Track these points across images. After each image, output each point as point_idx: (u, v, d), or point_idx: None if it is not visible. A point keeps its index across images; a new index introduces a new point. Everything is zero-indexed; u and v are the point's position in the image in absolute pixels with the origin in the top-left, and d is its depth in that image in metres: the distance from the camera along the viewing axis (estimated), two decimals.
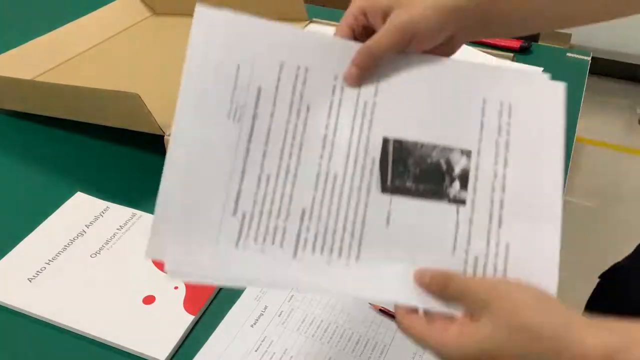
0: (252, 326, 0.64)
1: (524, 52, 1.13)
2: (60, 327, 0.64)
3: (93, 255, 0.72)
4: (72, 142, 0.94)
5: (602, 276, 0.89)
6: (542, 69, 0.96)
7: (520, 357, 0.36)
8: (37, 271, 0.70)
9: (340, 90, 0.44)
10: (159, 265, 0.71)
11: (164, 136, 0.82)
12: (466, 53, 1.01)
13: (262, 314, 0.66)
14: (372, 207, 0.43)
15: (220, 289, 0.68)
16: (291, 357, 0.62)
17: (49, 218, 0.77)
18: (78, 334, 0.64)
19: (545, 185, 0.41)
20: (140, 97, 0.78)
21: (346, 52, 0.44)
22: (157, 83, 1.00)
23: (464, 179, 0.42)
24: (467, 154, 0.42)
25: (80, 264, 0.71)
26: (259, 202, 0.43)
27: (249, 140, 0.43)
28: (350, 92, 0.44)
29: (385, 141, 0.43)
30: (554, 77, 0.45)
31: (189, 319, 0.65)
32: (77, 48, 1.12)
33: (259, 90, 0.44)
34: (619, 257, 0.90)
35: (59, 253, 0.72)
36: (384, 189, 0.43)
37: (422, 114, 0.43)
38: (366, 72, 0.44)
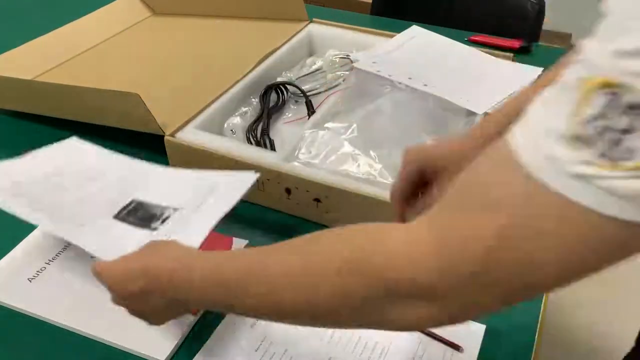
0: (252, 326, 0.64)
1: (524, 52, 1.13)
2: (60, 327, 0.64)
3: (93, 255, 0.72)
4: None
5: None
6: (542, 69, 0.96)
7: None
8: (37, 271, 0.70)
9: None
10: None
11: (164, 136, 0.82)
12: (467, 53, 1.01)
13: None
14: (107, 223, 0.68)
15: None
16: (291, 357, 0.62)
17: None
18: (78, 334, 0.64)
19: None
20: (140, 97, 0.78)
21: None
22: (157, 83, 1.00)
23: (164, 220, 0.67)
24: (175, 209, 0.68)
25: (80, 263, 0.71)
26: None
27: None
28: None
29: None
30: None
31: (189, 319, 0.65)
32: (77, 48, 1.12)
33: None
34: None
35: (59, 253, 0.72)
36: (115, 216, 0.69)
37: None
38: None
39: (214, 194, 0.67)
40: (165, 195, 0.70)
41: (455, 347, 0.62)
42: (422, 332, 0.63)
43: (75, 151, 0.77)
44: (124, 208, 0.69)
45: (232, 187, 0.67)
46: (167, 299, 0.51)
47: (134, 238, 0.62)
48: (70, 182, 0.72)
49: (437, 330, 0.64)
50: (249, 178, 0.68)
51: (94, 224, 0.67)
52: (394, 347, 0.63)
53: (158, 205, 0.69)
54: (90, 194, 0.71)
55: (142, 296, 0.52)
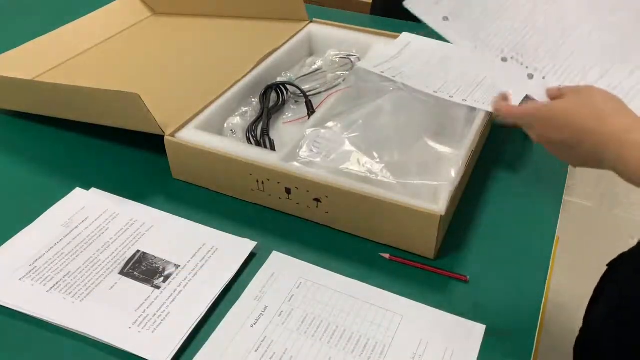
0: (252, 326, 0.64)
1: None
2: (61, 328, 0.64)
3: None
4: (71, 141, 0.94)
5: (611, 264, 0.90)
6: None
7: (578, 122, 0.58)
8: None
9: None
10: None
11: (164, 136, 0.82)
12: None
13: (262, 314, 0.66)
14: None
15: (221, 291, 0.68)
16: (291, 357, 0.62)
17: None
18: (78, 335, 0.64)
19: None
20: (140, 97, 0.78)
21: None
22: (157, 83, 1.00)
23: (167, 277, 0.70)
24: (177, 266, 0.71)
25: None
26: None
27: None
28: None
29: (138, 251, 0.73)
30: None
31: (191, 320, 0.65)
32: (77, 48, 1.12)
33: None
34: None
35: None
36: (121, 272, 0.70)
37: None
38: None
39: (213, 260, 0.72)
40: (167, 248, 0.74)
41: (462, 277, 0.70)
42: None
43: (79, 208, 0.80)
44: (129, 261, 0.72)
45: (230, 259, 0.72)
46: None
47: (138, 296, 0.68)
48: (77, 246, 0.74)
49: (435, 329, 0.64)
50: (246, 247, 0.73)
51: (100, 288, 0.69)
52: (394, 347, 0.63)
53: (161, 259, 0.72)
54: (96, 252, 0.73)
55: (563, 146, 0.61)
